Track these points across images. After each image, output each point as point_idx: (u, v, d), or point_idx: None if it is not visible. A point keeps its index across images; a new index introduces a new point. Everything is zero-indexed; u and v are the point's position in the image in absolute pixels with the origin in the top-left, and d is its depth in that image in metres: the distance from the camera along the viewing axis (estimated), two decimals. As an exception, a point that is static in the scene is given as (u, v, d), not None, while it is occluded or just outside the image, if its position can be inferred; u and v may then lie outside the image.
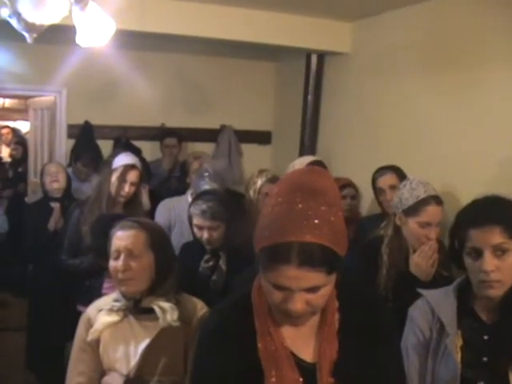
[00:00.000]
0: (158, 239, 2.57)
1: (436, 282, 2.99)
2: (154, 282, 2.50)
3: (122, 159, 4.19)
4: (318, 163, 4.35)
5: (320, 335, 1.70)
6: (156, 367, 2.41)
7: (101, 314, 2.50)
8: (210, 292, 3.32)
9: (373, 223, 3.90)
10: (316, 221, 1.49)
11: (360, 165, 5.41)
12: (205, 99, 7.09)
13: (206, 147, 7.00)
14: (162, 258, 2.53)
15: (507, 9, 3.96)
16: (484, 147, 4.12)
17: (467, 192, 3.87)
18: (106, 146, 6.62)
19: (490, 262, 2.06)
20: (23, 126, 11.15)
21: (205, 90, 7.11)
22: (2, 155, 9.71)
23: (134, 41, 5.50)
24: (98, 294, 3.50)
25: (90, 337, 2.47)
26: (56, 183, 5.00)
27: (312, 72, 6.19)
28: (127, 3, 4.14)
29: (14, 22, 2.73)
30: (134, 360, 2.42)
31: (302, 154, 6.18)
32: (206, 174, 4.31)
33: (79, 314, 3.49)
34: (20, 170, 8.66)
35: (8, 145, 10.11)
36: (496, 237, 2.05)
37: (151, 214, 4.48)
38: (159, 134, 6.83)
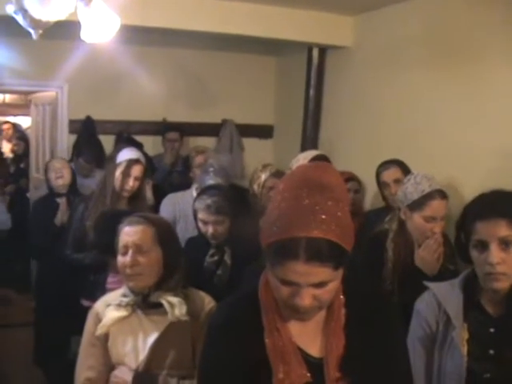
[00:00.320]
0: (165, 234, 2.58)
1: (442, 275, 2.99)
2: (161, 277, 2.51)
3: (126, 154, 4.20)
4: (322, 158, 4.35)
5: (327, 330, 1.71)
6: (165, 361, 2.43)
7: (109, 309, 2.51)
8: (215, 286, 3.33)
9: (377, 217, 3.91)
10: (323, 216, 1.49)
11: (363, 158, 5.42)
12: (206, 93, 7.10)
13: (208, 141, 7.00)
14: (169, 253, 2.54)
15: (510, 2, 3.97)
16: (487, 140, 4.12)
17: (471, 185, 3.90)
18: (107, 141, 6.62)
19: (495, 254, 2.07)
20: (24, 122, 11.13)
21: (206, 85, 7.11)
22: (3, 151, 9.68)
23: (135, 36, 5.50)
24: (102, 289, 3.53)
25: (99, 331, 2.48)
26: (61, 179, 5.00)
27: (314, 66, 6.20)
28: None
29: (19, 19, 2.73)
30: (143, 354, 2.44)
31: (303, 148, 6.18)
32: (211, 168, 4.32)
33: (83, 308, 3.54)
34: (22, 165, 8.66)
35: (9, 140, 10.09)
36: (502, 229, 2.06)
37: (155, 208, 4.49)
38: (161, 128, 6.83)
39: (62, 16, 2.60)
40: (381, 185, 4.44)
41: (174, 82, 6.96)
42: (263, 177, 4.45)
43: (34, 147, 7.80)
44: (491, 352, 2.14)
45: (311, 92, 6.25)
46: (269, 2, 5.29)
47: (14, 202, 8.02)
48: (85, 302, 3.78)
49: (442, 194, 3.24)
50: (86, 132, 6.66)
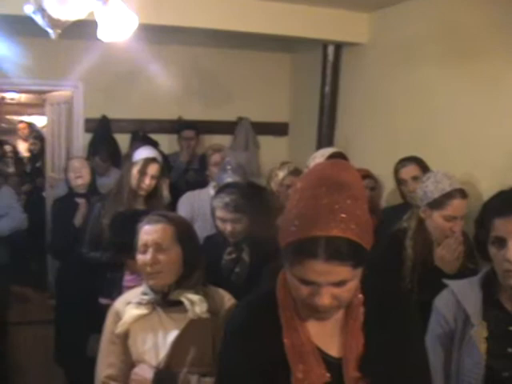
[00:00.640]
0: (185, 232, 2.58)
1: (461, 274, 2.96)
2: (181, 275, 2.51)
3: (143, 153, 4.22)
4: (339, 155, 4.34)
5: (345, 329, 1.71)
6: (185, 359, 2.43)
7: (129, 307, 2.51)
8: (233, 284, 3.32)
9: (395, 214, 3.90)
10: (342, 215, 1.49)
11: (378, 155, 5.41)
12: (221, 91, 7.10)
13: (223, 139, 6.98)
14: (189, 251, 2.54)
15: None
16: (504, 137, 4.10)
17: (487, 182, 3.90)
18: (123, 139, 6.66)
19: (514, 251, 2.06)
20: (39, 121, 11.18)
21: (221, 83, 7.11)
22: (19, 150, 9.73)
23: (150, 34, 5.51)
24: (120, 287, 3.53)
25: (119, 329, 2.48)
26: (80, 179, 5.01)
27: (329, 63, 6.18)
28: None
29: (38, 19, 2.74)
30: (163, 351, 2.44)
31: (319, 145, 6.17)
32: (229, 166, 4.33)
33: (101, 306, 3.55)
34: (38, 165, 8.69)
35: (25, 140, 10.14)
36: None
37: (171, 207, 4.50)
38: (176, 126, 6.85)
39: (80, 15, 2.61)
40: (399, 182, 4.44)
41: (189, 80, 6.96)
42: (281, 175, 4.46)
43: (50, 146, 7.84)
44: (510, 350, 2.12)
45: (326, 89, 6.24)
46: (283, 0, 5.28)
47: (30, 201, 8.06)
48: (102, 300, 3.79)
49: (462, 193, 3.23)
50: (102, 131, 6.70)
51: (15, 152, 9.19)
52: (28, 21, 2.99)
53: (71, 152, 6.97)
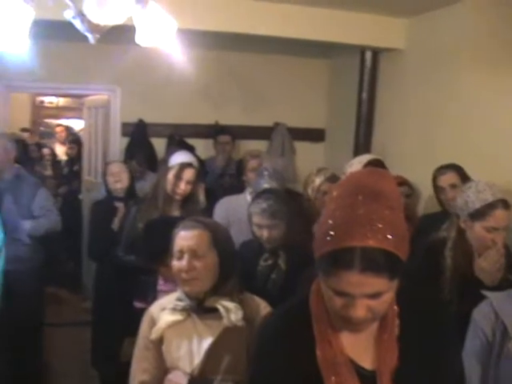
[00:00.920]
0: (221, 239, 2.56)
1: (502, 286, 2.91)
2: (217, 282, 2.49)
3: (179, 157, 4.22)
4: (377, 162, 4.31)
5: (379, 342, 1.67)
6: (219, 366, 2.41)
7: (164, 313, 2.50)
8: (269, 291, 3.30)
9: (433, 222, 3.85)
10: (379, 225, 1.46)
11: (416, 162, 5.36)
12: (258, 97, 7.09)
13: (259, 145, 6.95)
14: (225, 258, 2.52)
15: None
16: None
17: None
18: (159, 143, 6.70)
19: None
20: (76, 124, 11.30)
21: (258, 88, 7.10)
22: (56, 153, 9.83)
23: (188, 38, 5.51)
24: (154, 290, 3.53)
25: (154, 335, 2.48)
26: (119, 183, 5.03)
27: (366, 69, 6.16)
28: (181, 2, 4.15)
29: (77, 23, 2.74)
30: (198, 358, 2.42)
31: (356, 151, 6.15)
32: (266, 172, 4.31)
33: (136, 309, 3.55)
34: (75, 168, 8.78)
35: (62, 143, 10.25)
36: None
37: (207, 211, 4.49)
38: (213, 131, 6.86)
39: (119, 20, 2.60)
40: (437, 189, 4.39)
41: (226, 84, 6.97)
42: (318, 181, 4.43)
43: (87, 150, 7.91)
44: None
45: (364, 95, 6.21)
46: (321, 5, 5.27)
47: (66, 203, 8.13)
48: (137, 304, 3.80)
49: (505, 204, 3.15)
50: (138, 135, 6.74)
51: (53, 155, 9.28)
52: (67, 26, 3.00)
53: (108, 156, 7.03)
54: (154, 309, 2.60)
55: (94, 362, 5.16)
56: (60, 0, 2.71)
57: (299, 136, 7.36)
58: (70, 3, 2.71)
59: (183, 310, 2.49)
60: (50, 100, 11.69)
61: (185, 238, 2.50)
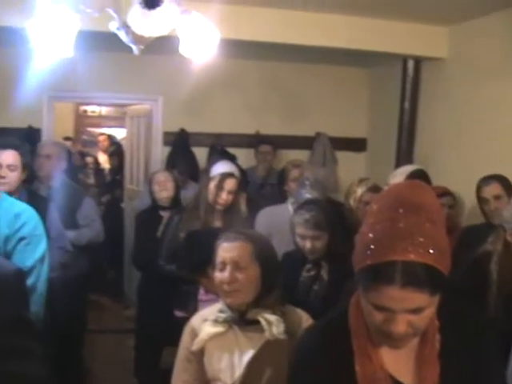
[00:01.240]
0: (263, 250, 2.54)
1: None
2: (259, 294, 2.47)
3: (220, 167, 4.23)
4: (420, 173, 4.27)
5: (420, 357, 1.64)
6: (260, 379, 2.39)
7: (206, 325, 2.49)
8: (311, 302, 3.28)
9: (477, 233, 3.79)
10: (420, 239, 1.44)
11: (459, 173, 5.30)
12: (299, 106, 7.08)
13: (301, 154, 6.93)
14: (267, 270, 2.50)
15: None
16: None
17: None
18: (201, 153, 6.72)
19: None
20: (118, 133, 11.40)
21: (299, 97, 7.10)
22: (99, 161, 9.93)
23: (229, 48, 5.54)
24: (195, 300, 3.54)
25: (195, 346, 2.47)
26: (165, 192, 5.05)
27: (408, 78, 6.12)
28: (222, 12, 4.17)
29: (121, 35, 2.77)
30: (239, 371, 2.41)
31: (397, 161, 6.10)
32: (307, 182, 4.31)
33: (176, 318, 3.56)
34: (118, 177, 8.86)
35: (105, 151, 10.34)
36: None
37: (248, 221, 4.48)
38: (254, 141, 6.87)
39: (164, 32, 2.62)
40: (480, 200, 4.32)
41: (267, 94, 6.97)
42: (359, 191, 4.40)
43: (129, 159, 7.97)
44: None
45: (406, 105, 6.16)
46: (362, 14, 5.26)
47: (108, 211, 8.20)
48: (177, 313, 3.81)
49: None
50: (180, 144, 6.77)
51: (96, 163, 9.37)
52: (111, 37, 3.03)
53: (149, 165, 7.08)
54: (195, 320, 2.59)
55: (137, 370, 5.18)
56: (105, 12, 2.74)
57: (341, 146, 7.34)
58: (115, 15, 2.74)
59: (225, 321, 2.48)
60: (92, 109, 11.82)
61: (227, 249, 2.49)
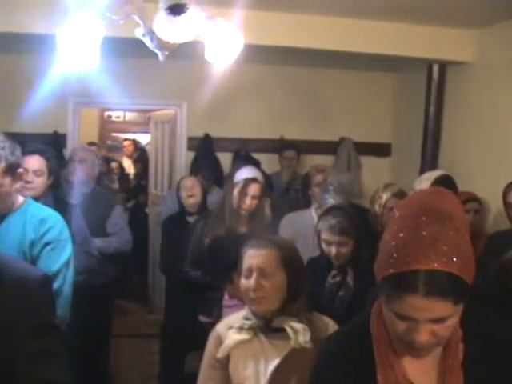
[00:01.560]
0: (290, 258, 2.53)
1: None
2: (285, 301, 2.46)
3: (243, 173, 4.23)
4: (446, 178, 4.25)
5: (443, 367, 1.61)
6: None
7: (231, 332, 2.48)
8: (336, 308, 3.26)
9: (503, 239, 3.75)
10: (444, 247, 1.42)
11: (485, 178, 5.26)
12: (323, 111, 7.07)
13: (325, 160, 6.92)
14: (294, 277, 2.48)
15: None
16: None
17: None
18: (225, 158, 6.72)
19: None
20: (142, 138, 11.46)
21: (323, 102, 7.08)
22: (124, 166, 9.97)
23: (253, 54, 5.55)
24: (219, 305, 3.54)
25: (220, 354, 2.46)
26: (192, 198, 5.07)
27: (434, 82, 6.08)
28: (245, 17, 4.18)
29: (147, 41, 2.79)
30: (264, 379, 2.39)
31: (422, 166, 6.06)
32: (331, 187, 4.30)
33: (201, 324, 3.56)
34: (143, 182, 8.90)
35: (129, 157, 10.40)
36: None
37: (273, 227, 4.48)
38: (278, 146, 6.86)
39: (189, 38, 2.63)
40: (507, 206, 4.29)
41: (291, 99, 6.97)
42: (385, 197, 4.39)
43: (153, 164, 7.99)
44: None
45: (431, 109, 6.12)
46: (388, 19, 5.23)
47: (133, 217, 8.23)
48: (202, 318, 3.82)
49: None
50: (204, 149, 6.79)
51: (121, 169, 9.42)
52: (135, 43, 3.05)
53: (174, 170, 7.10)
54: (220, 327, 2.58)
55: (161, 375, 5.20)
56: (130, 18, 2.76)
57: (365, 151, 7.31)
58: (141, 21, 2.75)
59: (250, 329, 2.47)
60: (117, 114, 11.89)
61: (253, 256, 2.48)
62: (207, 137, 6.86)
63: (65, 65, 2.93)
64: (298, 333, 2.39)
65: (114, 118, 11.99)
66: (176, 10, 2.53)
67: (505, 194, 4.30)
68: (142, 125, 11.43)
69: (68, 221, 3.30)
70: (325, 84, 7.11)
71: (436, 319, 1.45)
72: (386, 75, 7.38)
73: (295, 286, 2.49)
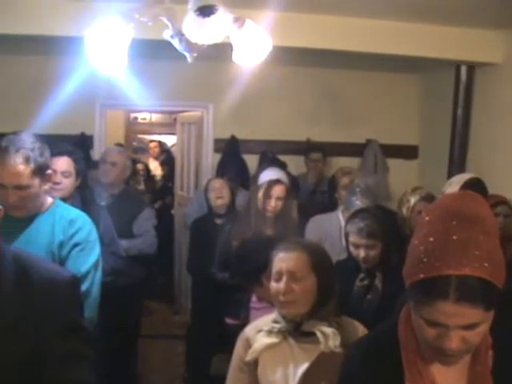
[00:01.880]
0: (320, 261, 2.52)
1: None
2: (315, 305, 2.44)
3: (267, 175, 4.24)
4: (476, 181, 4.19)
5: (472, 374, 1.59)
6: None
7: (260, 335, 2.47)
8: (365, 312, 3.23)
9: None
10: (475, 252, 1.39)
11: (514, 181, 5.19)
12: (349, 113, 7.04)
13: (351, 162, 6.91)
14: (324, 281, 2.47)
15: None
16: None
17: None
18: (251, 160, 6.72)
19: None
20: (168, 140, 11.50)
21: (349, 104, 7.06)
22: (150, 168, 10.01)
23: (279, 55, 5.54)
24: (246, 308, 3.53)
25: (249, 357, 2.45)
26: (220, 199, 5.06)
27: (462, 84, 6.04)
28: (274, 19, 4.18)
29: (175, 43, 2.78)
30: (293, 383, 2.38)
31: (450, 169, 6.02)
32: (358, 189, 4.29)
33: (228, 326, 3.55)
34: (170, 184, 8.92)
35: (155, 158, 10.44)
36: None
37: (299, 229, 4.46)
38: (304, 148, 6.85)
39: (218, 39, 2.63)
40: (537, 209, 4.23)
41: (317, 101, 6.96)
42: (413, 200, 4.34)
43: (179, 165, 8.01)
44: None
45: (459, 111, 6.08)
46: (415, 20, 5.19)
47: (159, 218, 8.24)
48: (228, 320, 3.81)
49: None
50: (231, 151, 6.79)
51: (147, 170, 9.44)
52: (162, 45, 3.05)
53: (200, 171, 7.11)
54: (249, 330, 2.57)
55: (186, 376, 5.20)
56: (158, 20, 2.76)
57: (392, 153, 7.27)
58: (169, 23, 2.75)
59: (279, 332, 2.45)
60: (143, 116, 11.93)
61: (284, 259, 2.47)
62: (233, 138, 6.86)
63: (93, 67, 2.94)
64: (328, 337, 2.37)
65: (139, 120, 12.03)
66: (205, 11, 2.52)
67: (535, 198, 4.25)
68: (168, 126, 11.48)
69: (96, 222, 3.31)
70: (351, 86, 7.09)
71: (467, 325, 1.42)
72: (413, 77, 7.34)
73: (325, 290, 2.47)
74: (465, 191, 1.72)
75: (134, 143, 12.00)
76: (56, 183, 3.70)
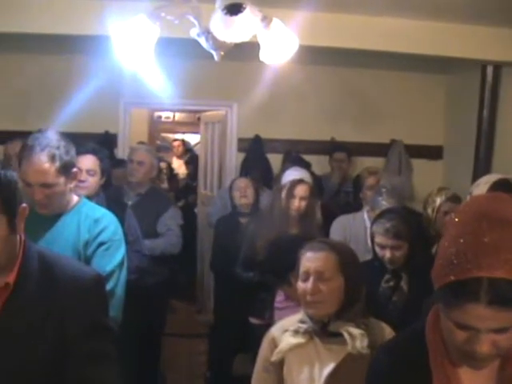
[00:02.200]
0: (348, 262, 2.50)
1: None
2: (342, 305, 2.43)
3: (290, 175, 4.24)
4: (505, 182, 4.13)
5: (501, 379, 1.56)
6: None
7: (286, 335, 2.46)
8: (390, 313, 3.20)
9: None
10: (508, 255, 1.36)
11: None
12: (374, 113, 6.99)
13: (375, 162, 6.85)
14: (351, 282, 2.46)
15: None
16: None
17: None
18: (275, 159, 6.70)
19: None
20: (191, 139, 11.52)
21: (374, 104, 7.00)
22: (173, 166, 10.03)
23: (303, 55, 5.52)
24: (271, 308, 3.51)
25: (275, 357, 2.44)
26: (245, 198, 5.05)
27: (488, 84, 5.98)
28: (300, 18, 4.16)
29: (202, 41, 2.78)
30: (319, 384, 2.37)
31: (476, 170, 5.96)
32: (384, 189, 4.26)
33: (251, 326, 3.54)
34: (193, 184, 8.93)
35: (179, 157, 10.46)
36: None
37: (323, 229, 4.44)
38: (328, 148, 6.82)
39: (245, 38, 2.62)
40: None
41: (342, 101, 6.91)
42: (438, 201, 4.30)
43: (203, 164, 8.01)
44: None
45: (485, 112, 6.02)
46: (440, 19, 5.14)
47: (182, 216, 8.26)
48: (253, 320, 3.80)
49: None
50: (255, 150, 6.78)
51: (170, 169, 9.46)
52: (187, 43, 3.05)
53: (224, 171, 7.12)
54: (275, 330, 2.56)
55: (208, 376, 5.20)
56: (184, 18, 2.76)
57: (416, 153, 7.20)
58: (196, 21, 2.75)
59: (306, 332, 2.44)
60: (166, 115, 11.96)
61: (311, 259, 2.46)
62: (257, 138, 6.85)
63: (117, 65, 2.94)
64: (356, 338, 2.36)
65: (163, 119, 12.06)
66: (233, 9, 2.52)
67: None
68: (191, 125, 11.50)
69: (120, 220, 3.31)
70: (376, 85, 7.04)
71: (498, 329, 1.40)
72: (438, 76, 7.27)
73: (353, 291, 2.46)
74: (494, 193, 1.69)
75: (158, 142, 12.02)
76: (81, 181, 3.71)
